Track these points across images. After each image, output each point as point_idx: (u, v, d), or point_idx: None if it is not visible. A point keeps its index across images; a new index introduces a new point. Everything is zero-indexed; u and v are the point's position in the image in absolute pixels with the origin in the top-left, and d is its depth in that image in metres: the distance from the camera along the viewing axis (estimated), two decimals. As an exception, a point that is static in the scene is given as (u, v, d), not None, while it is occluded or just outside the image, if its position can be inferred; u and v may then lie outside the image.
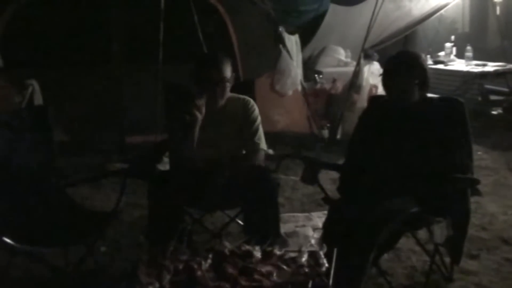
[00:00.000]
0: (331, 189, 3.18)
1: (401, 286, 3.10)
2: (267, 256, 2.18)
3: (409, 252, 3.39)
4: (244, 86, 3.54)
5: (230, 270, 2.07)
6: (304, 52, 6.93)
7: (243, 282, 2.03)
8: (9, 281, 2.95)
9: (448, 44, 7.41)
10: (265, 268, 2.10)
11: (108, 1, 5.92)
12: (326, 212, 3.10)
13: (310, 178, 3.14)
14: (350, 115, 5.88)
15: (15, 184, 2.99)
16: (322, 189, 3.15)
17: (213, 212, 3.44)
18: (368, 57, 6.25)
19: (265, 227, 2.81)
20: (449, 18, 8.36)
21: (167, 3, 5.38)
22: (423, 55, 3.19)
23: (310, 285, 2.01)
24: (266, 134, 3.25)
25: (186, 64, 3.42)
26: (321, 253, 2.17)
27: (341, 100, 6.27)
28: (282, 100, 6.17)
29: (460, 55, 7.29)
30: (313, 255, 2.15)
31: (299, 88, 6.26)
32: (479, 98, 6.75)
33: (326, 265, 2.12)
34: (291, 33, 6.32)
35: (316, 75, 6.96)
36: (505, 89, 6.87)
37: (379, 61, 6.36)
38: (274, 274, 2.08)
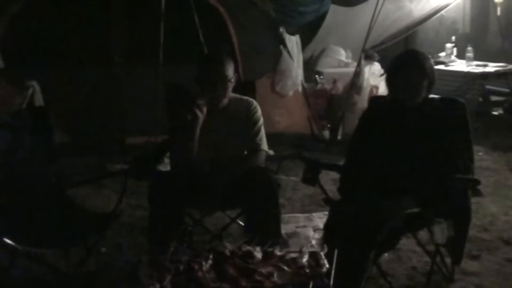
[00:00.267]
0: (332, 190, 3.18)
1: (402, 286, 3.10)
2: (267, 256, 2.18)
3: (410, 253, 3.39)
4: (245, 86, 3.54)
5: (231, 271, 2.07)
6: (304, 53, 6.93)
7: (244, 283, 2.02)
8: (10, 282, 2.95)
9: (448, 45, 7.40)
10: (265, 269, 2.10)
11: (109, 2, 5.92)
12: (327, 212, 3.10)
13: (311, 179, 3.13)
14: (350, 115, 5.88)
15: (15, 185, 3.00)
16: (323, 189, 3.15)
17: (213, 212, 3.44)
18: (369, 58, 6.25)
19: (265, 228, 2.81)
20: (449, 18, 8.35)
21: (168, 4, 5.38)
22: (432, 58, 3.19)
23: (310, 285, 2.01)
24: (267, 134, 3.25)
25: (186, 65, 3.43)
26: (322, 253, 2.17)
27: (341, 101, 6.27)
28: (283, 101, 6.17)
29: (460, 55, 7.28)
30: (313, 255, 2.15)
31: (300, 88, 6.26)
32: (480, 99, 6.74)
33: (327, 265, 2.12)
34: (292, 33, 6.32)
35: (316, 76, 6.97)
36: (506, 90, 6.87)
37: (379, 61, 6.36)
38: (275, 275, 2.07)
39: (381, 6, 5.97)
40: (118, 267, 3.23)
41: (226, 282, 2.02)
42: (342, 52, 7.47)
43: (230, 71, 3.07)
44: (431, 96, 3.03)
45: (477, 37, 8.27)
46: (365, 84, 6.16)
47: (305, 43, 6.96)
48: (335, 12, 6.98)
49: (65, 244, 2.83)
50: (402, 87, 2.90)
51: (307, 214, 4.06)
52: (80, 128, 5.72)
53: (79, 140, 5.63)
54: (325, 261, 2.13)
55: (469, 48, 7.08)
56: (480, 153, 5.33)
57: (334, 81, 6.72)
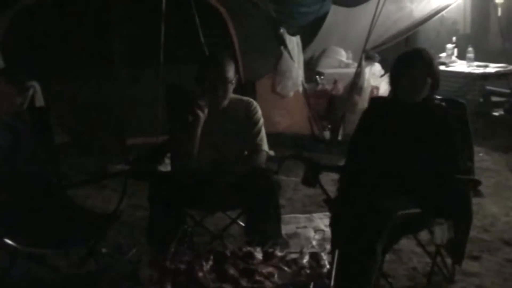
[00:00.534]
0: (333, 190, 3.18)
1: (402, 287, 3.09)
2: (268, 257, 2.18)
3: (411, 254, 3.38)
4: (245, 87, 3.54)
5: (231, 271, 2.06)
6: (305, 53, 6.94)
7: (244, 283, 2.02)
8: (11, 282, 2.95)
9: (449, 45, 7.40)
10: (266, 270, 2.10)
11: (109, 2, 5.92)
12: (327, 213, 3.10)
13: (311, 180, 3.12)
14: (351, 116, 5.88)
15: (16, 185, 3.00)
16: (324, 190, 3.15)
17: (214, 213, 3.44)
18: (369, 59, 6.25)
19: (266, 229, 2.81)
20: (450, 19, 8.35)
21: (168, 5, 5.38)
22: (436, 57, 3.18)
23: (311, 286, 2.01)
24: (267, 135, 3.25)
25: (187, 65, 3.43)
26: (323, 254, 2.17)
27: (342, 101, 6.27)
28: (283, 101, 6.17)
29: (461, 56, 7.27)
30: (314, 256, 2.15)
31: (300, 89, 6.26)
32: (481, 100, 6.74)
33: (328, 266, 2.12)
34: (293, 34, 6.33)
35: (317, 76, 6.97)
36: (507, 90, 6.86)
37: (380, 62, 6.36)
38: (276, 276, 2.08)
39: (381, 7, 5.97)
40: (119, 267, 3.23)
41: (227, 282, 2.02)
42: (343, 52, 7.47)
43: (230, 72, 3.07)
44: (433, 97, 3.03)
45: (478, 37, 8.27)
46: (365, 84, 6.16)
47: (305, 44, 6.97)
48: (335, 13, 6.98)
49: (65, 245, 2.83)
50: (406, 83, 2.88)
51: (307, 215, 4.06)
52: (81, 128, 5.72)
53: (79, 141, 5.63)
54: (326, 262, 2.13)
55: (470, 49, 7.08)
56: (481, 154, 5.32)
57: (335, 82, 6.72)
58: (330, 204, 3.04)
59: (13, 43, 5.63)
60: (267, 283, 2.03)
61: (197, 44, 5.82)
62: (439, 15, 6.85)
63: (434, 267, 3.00)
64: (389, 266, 3.23)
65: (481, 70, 6.71)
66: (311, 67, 7.19)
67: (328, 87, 6.75)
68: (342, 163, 3.22)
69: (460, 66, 7.04)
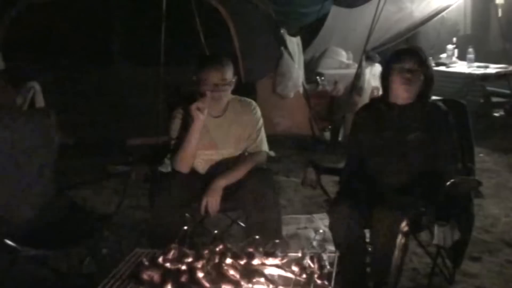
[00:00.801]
0: (333, 191, 3.18)
1: (403, 288, 3.09)
2: (268, 258, 2.18)
3: (411, 254, 3.38)
4: (246, 88, 3.54)
5: (232, 272, 2.06)
6: (305, 54, 6.94)
7: (245, 284, 2.02)
8: (11, 283, 2.95)
9: (450, 46, 7.40)
10: (266, 270, 2.10)
11: (110, 3, 5.93)
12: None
13: (311, 182, 3.11)
14: (352, 117, 5.86)
15: (16, 186, 3.00)
16: (324, 191, 3.14)
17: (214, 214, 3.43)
18: (370, 59, 6.25)
19: (266, 229, 2.81)
20: (450, 20, 8.35)
21: (169, 5, 5.38)
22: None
23: (311, 287, 2.01)
24: (268, 136, 3.25)
25: (187, 66, 3.42)
26: (323, 255, 2.17)
27: (343, 102, 6.27)
28: (284, 102, 6.17)
29: (462, 57, 7.28)
30: (315, 257, 2.15)
31: (301, 90, 6.26)
32: (481, 100, 6.74)
33: (328, 267, 2.12)
34: (293, 35, 6.33)
35: (317, 77, 6.97)
36: (507, 91, 6.86)
37: (380, 63, 6.36)
38: (276, 276, 2.07)
39: (382, 8, 5.97)
40: (119, 268, 3.23)
41: (227, 283, 2.02)
42: (343, 53, 7.47)
43: (229, 73, 3.07)
44: (432, 97, 3.01)
45: (478, 38, 8.28)
46: (366, 85, 6.16)
47: (306, 45, 6.97)
48: (336, 14, 6.98)
49: (65, 245, 2.83)
50: (398, 79, 2.83)
51: (308, 215, 4.06)
52: (81, 129, 5.72)
53: (79, 141, 5.63)
54: (326, 263, 2.13)
55: (470, 50, 7.09)
56: (481, 155, 5.32)
57: (335, 83, 6.71)
58: (332, 206, 3.02)
59: (14, 44, 5.63)
60: (268, 284, 2.03)
61: (198, 45, 5.82)
62: (440, 15, 6.87)
63: (435, 268, 2.99)
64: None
65: (481, 71, 6.72)
66: (311, 68, 7.19)
67: (329, 88, 6.75)
68: (342, 164, 3.21)
69: (461, 67, 7.04)
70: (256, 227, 2.86)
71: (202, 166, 3.13)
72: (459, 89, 6.59)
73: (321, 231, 2.66)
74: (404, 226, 2.54)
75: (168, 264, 2.11)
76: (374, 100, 3.20)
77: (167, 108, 3.58)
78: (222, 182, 2.99)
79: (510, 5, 7.71)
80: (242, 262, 2.12)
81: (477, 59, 7.06)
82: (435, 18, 6.89)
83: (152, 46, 5.51)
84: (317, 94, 6.67)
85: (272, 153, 3.28)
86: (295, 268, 2.10)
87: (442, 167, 2.81)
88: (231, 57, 3.28)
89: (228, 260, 2.10)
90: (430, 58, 7.34)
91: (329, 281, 2.06)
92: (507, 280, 3.16)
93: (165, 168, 3.32)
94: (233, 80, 3.11)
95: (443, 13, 6.90)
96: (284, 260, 2.16)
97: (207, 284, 2.01)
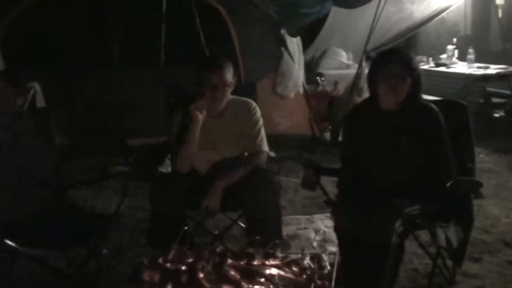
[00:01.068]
0: (333, 192, 3.18)
1: (403, 288, 3.09)
2: (269, 258, 2.18)
3: (411, 255, 3.38)
4: (246, 88, 3.54)
5: (232, 272, 2.06)
6: (306, 55, 6.94)
7: (245, 284, 2.02)
8: (12, 283, 2.95)
9: (450, 47, 7.41)
10: (267, 271, 2.10)
11: (110, 4, 5.93)
12: (328, 214, 3.09)
13: (311, 184, 3.10)
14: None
15: (17, 186, 3.00)
16: (324, 191, 3.14)
17: (214, 214, 3.43)
18: (370, 60, 6.24)
19: (267, 230, 2.81)
20: (451, 20, 8.36)
21: (169, 5, 5.38)
22: (416, 57, 3.08)
23: (312, 287, 2.01)
24: (268, 136, 3.25)
25: (187, 67, 3.42)
26: (323, 255, 2.17)
27: (343, 103, 6.27)
28: (284, 103, 6.17)
29: (462, 57, 7.28)
30: (315, 257, 2.15)
31: (301, 90, 6.27)
32: (481, 101, 6.74)
33: (328, 267, 2.12)
34: (293, 35, 6.33)
35: (318, 78, 6.98)
36: (507, 92, 6.86)
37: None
38: (276, 277, 2.07)
39: (382, 8, 5.97)
40: (120, 268, 3.23)
41: (227, 284, 2.02)
42: (344, 53, 7.47)
43: (229, 74, 3.07)
44: (433, 98, 3.00)
45: (479, 39, 8.28)
46: (366, 86, 6.15)
47: (306, 45, 6.97)
48: (336, 14, 6.98)
49: (66, 246, 2.83)
50: (384, 82, 2.80)
51: (308, 216, 4.06)
52: (81, 129, 5.72)
53: (80, 142, 5.63)
54: (327, 263, 2.13)
55: (471, 50, 7.09)
56: (481, 155, 5.32)
57: (335, 83, 6.72)
58: (332, 206, 3.02)
59: (14, 44, 5.63)
60: (268, 284, 2.03)
61: (198, 45, 5.82)
62: (440, 16, 6.86)
63: (435, 269, 2.99)
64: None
65: (481, 72, 6.72)
66: (311, 68, 7.19)
67: (329, 88, 6.76)
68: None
69: (461, 68, 7.04)
70: (256, 227, 2.86)
71: (202, 166, 3.13)
72: (459, 89, 6.59)
73: (321, 231, 2.66)
74: (398, 227, 2.54)
75: (168, 265, 2.11)
76: (364, 103, 3.17)
77: (167, 108, 3.58)
78: (222, 183, 2.99)
79: (510, 5, 7.72)
80: (242, 263, 2.12)
81: (477, 60, 7.06)
82: (436, 19, 6.88)
83: (152, 46, 5.52)
84: (317, 95, 6.67)
85: (272, 154, 3.28)
86: (295, 269, 2.10)
87: (435, 169, 2.79)
88: (231, 58, 3.28)
89: (229, 261, 2.10)
90: (430, 58, 7.40)
91: (330, 282, 2.06)
92: (507, 280, 3.15)
93: (165, 168, 3.32)
94: (233, 81, 3.11)
95: (443, 14, 6.89)
96: (285, 261, 2.16)
97: (207, 285, 2.01)
